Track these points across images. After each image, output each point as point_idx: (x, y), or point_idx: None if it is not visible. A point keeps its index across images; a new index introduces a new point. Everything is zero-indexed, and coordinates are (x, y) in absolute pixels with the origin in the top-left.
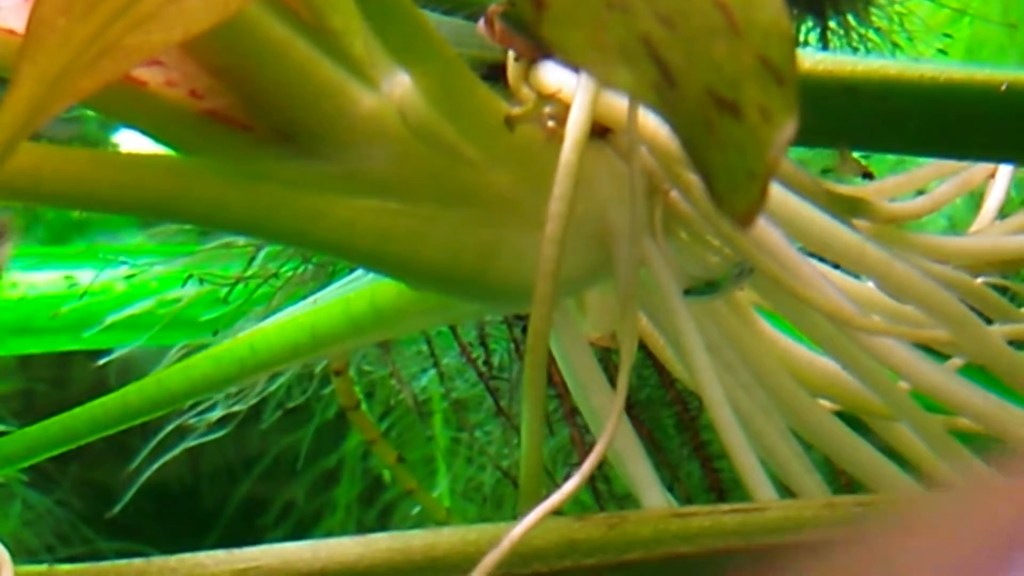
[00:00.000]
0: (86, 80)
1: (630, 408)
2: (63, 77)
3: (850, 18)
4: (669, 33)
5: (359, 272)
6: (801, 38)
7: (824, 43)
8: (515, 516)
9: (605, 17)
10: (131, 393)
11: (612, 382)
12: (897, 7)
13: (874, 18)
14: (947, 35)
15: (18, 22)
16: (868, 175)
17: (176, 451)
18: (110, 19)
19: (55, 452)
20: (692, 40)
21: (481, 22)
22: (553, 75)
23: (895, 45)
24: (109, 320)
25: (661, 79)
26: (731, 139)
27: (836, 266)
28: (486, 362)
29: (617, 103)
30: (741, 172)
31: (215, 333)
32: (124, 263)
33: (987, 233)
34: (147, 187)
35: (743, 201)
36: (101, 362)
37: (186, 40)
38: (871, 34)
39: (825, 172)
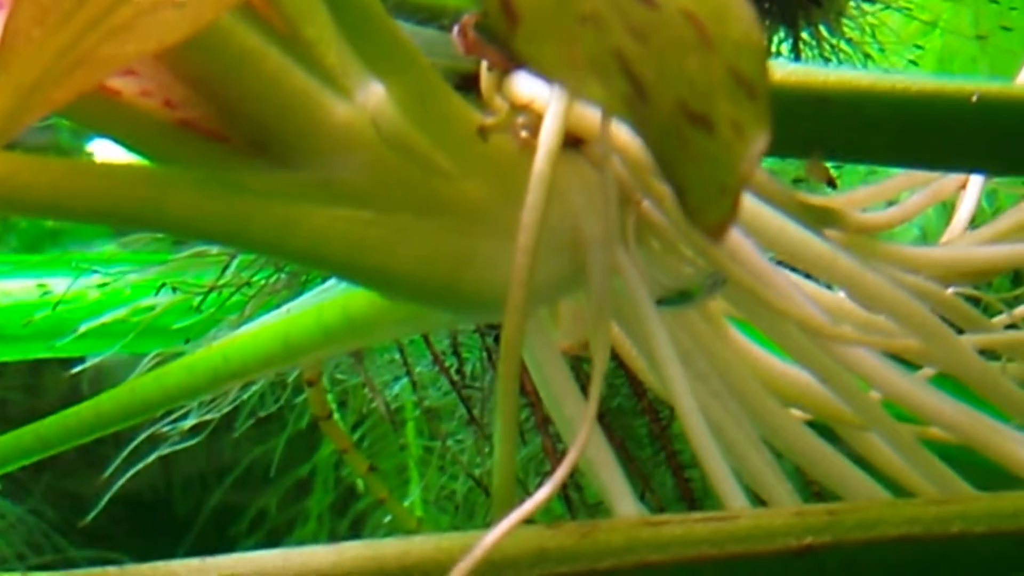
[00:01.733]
0: (60, 90)
1: (602, 417)
2: (37, 87)
3: (822, 29)
4: (641, 47)
5: (332, 281)
6: (773, 49)
7: (796, 54)
8: (487, 525)
9: (577, 31)
10: (104, 402)
11: (584, 391)
12: (869, 19)
13: (846, 29)
14: (918, 47)
15: None
16: (832, 183)
17: (149, 460)
18: (84, 29)
19: (28, 461)
20: (664, 54)
21: (455, 32)
22: (526, 85)
23: (867, 56)
24: (82, 328)
25: (633, 93)
26: (703, 153)
27: (808, 276)
28: (459, 371)
29: (590, 114)
30: (713, 186)
31: (187, 342)
32: (97, 272)
33: (958, 243)
34: (121, 196)
35: (715, 214)
36: (74, 371)
37: (161, 50)
38: (843, 45)
39: (797, 182)
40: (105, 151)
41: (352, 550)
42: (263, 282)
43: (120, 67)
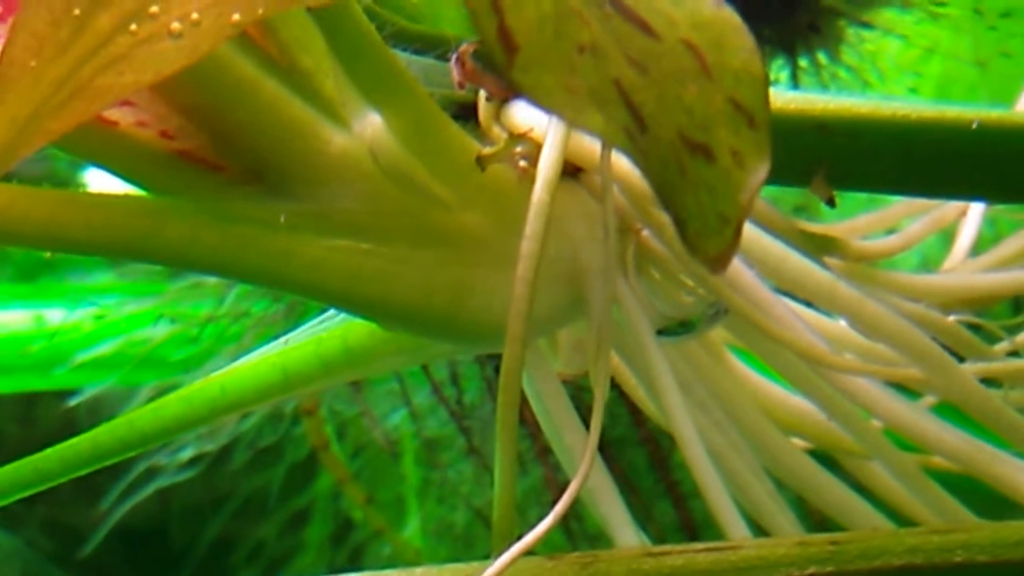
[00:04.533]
0: (57, 122)
1: (602, 447)
2: (34, 119)
3: (821, 56)
4: (640, 77)
5: (331, 312)
6: (772, 76)
7: (795, 81)
8: (487, 556)
9: (576, 61)
10: (102, 434)
11: (585, 421)
12: (868, 46)
13: (845, 56)
14: (917, 74)
15: None
16: (832, 203)
17: (147, 492)
18: (81, 61)
19: (25, 494)
20: (663, 83)
21: (452, 61)
22: (524, 114)
23: (866, 83)
24: (79, 359)
25: (632, 123)
26: (703, 182)
27: (808, 304)
28: (458, 401)
29: (589, 143)
30: (713, 216)
31: (185, 373)
32: (93, 302)
33: (959, 271)
34: (118, 228)
35: (715, 245)
36: (71, 403)
37: (158, 81)
38: (842, 72)
39: (797, 210)
40: (100, 181)
41: None
42: (261, 312)
43: (117, 98)
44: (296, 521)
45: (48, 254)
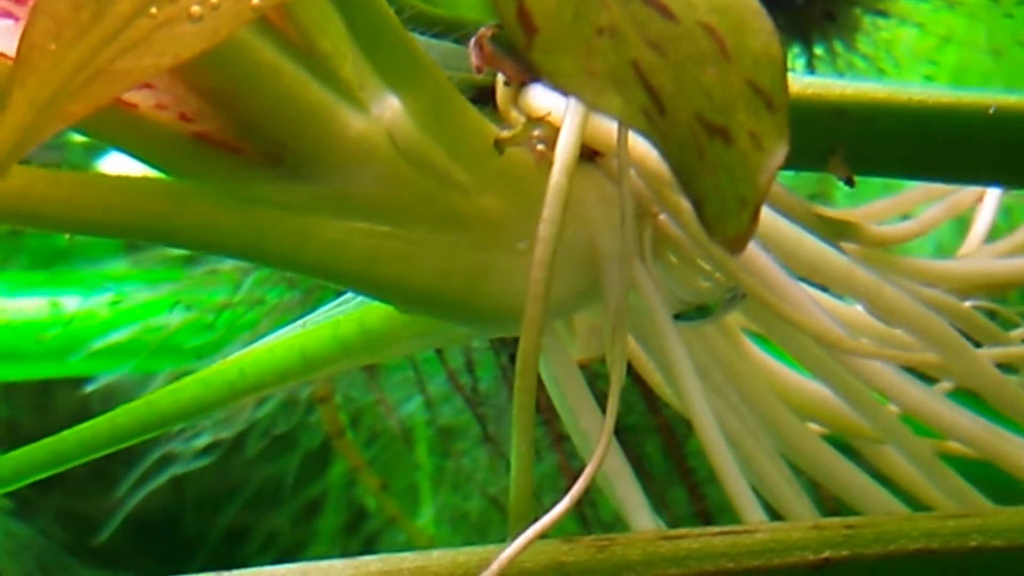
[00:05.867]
0: (77, 104)
1: (617, 433)
2: (54, 101)
3: (837, 45)
4: (659, 59)
5: (348, 295)
6: (788, 65)
7: (811, 70)
8: (502, 543)
9: (595, 43)
10: (120, 416)
11: (601, 408)
12: (883, 34)
13: (860, 45)
14: (933, 62)
15: (9, 46)
16: (850, 182)
17: (160, 480)
18: (101, 44)
19: (42, 475)
20: (682, 66)
21: (471, 45)
22: (542, 98)
23: (881, 72)
24: (94, 347)
25: (651, 105)
26: (721, 165)
27: (825, 289)
28: (473, 388)
29: (606, 126)
30: (731, 198)
31: (200, 359)
32: (109, 289)
33: (975, 256)
34: (136, 210)
35: (734, 227)
36: (86, 390)
37: (177, 64)
38: (858, 61)
39: (813, 198)
40: (115, 169)
41: (370, 565)
42: (276, 300)
43: (137, 81)
44: (310, 509)
45: (65, 239)
